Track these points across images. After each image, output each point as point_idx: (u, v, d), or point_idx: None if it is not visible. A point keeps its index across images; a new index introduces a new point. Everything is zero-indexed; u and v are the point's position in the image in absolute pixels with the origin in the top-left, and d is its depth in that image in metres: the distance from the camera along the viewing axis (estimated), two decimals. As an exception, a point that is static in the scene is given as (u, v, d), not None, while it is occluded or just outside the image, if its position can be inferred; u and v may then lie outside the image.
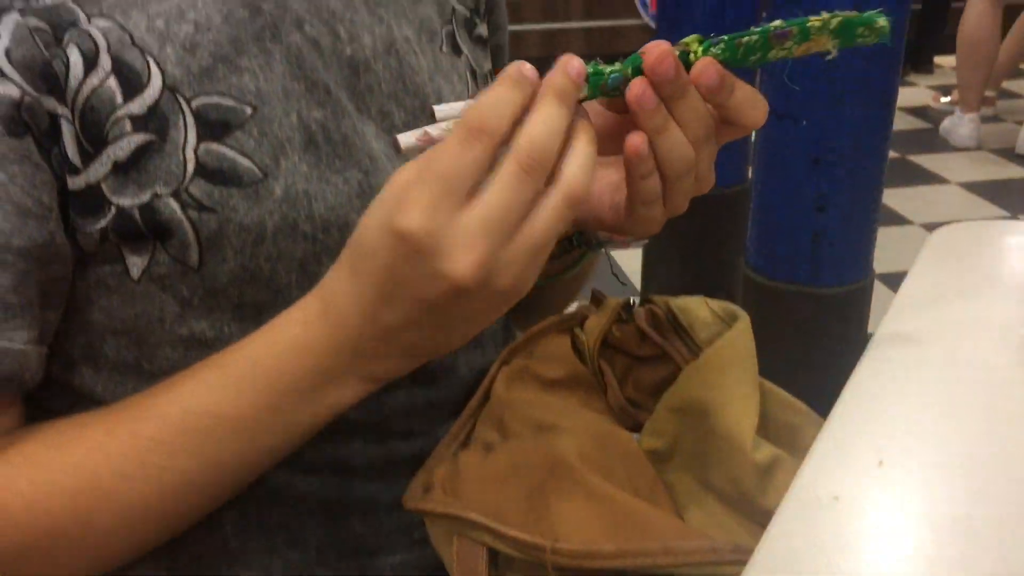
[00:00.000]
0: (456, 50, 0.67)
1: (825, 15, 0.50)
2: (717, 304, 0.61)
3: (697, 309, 0.62)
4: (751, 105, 0.50)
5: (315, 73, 0.57)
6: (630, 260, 2.22)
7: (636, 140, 0.48)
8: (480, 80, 0.70)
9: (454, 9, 0.68)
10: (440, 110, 0.46)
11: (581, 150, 0.45)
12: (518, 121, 0.44)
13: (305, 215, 0.55)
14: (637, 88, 0.47)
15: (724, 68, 0.49)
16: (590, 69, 0.47)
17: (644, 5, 4.33)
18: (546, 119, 0.44)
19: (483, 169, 0.43)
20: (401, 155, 0.46)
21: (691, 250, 2.44)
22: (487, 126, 0.43)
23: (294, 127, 0.56)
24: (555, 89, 0.45)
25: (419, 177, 0.43)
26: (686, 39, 0.49)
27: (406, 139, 0.46)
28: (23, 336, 0.51)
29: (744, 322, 0.58)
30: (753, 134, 2.01)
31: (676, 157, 0.49)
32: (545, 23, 4.33)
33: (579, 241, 0.64)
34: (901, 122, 1.78)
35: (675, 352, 0.61)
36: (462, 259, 0.42)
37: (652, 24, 4.16)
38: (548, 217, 0.44)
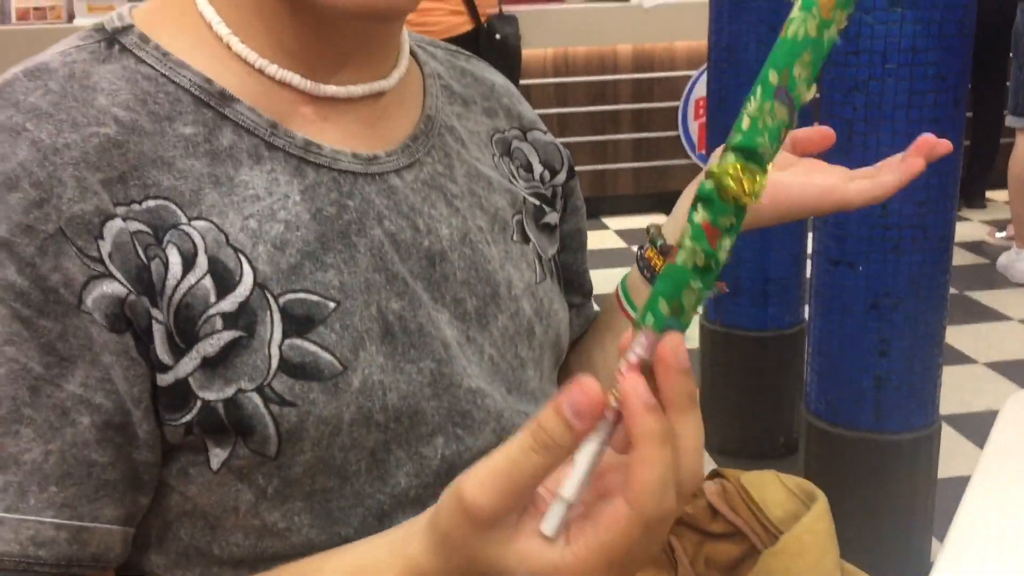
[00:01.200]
0: (525, 238, 0.69)
1: None
2: (791, 480, 0.60)
3: (770, 485, 0.60)
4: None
5: (394, 265, 0.58)
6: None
7: None
8: (545, 265, 0.71)
9: (524, 199, 0.70)
10: (567, 492, 0.42)
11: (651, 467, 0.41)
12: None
13: (379, 406, 0.56)
14: None
15: None
16: (650, 321, 0.42)
17: (691, 145, 4.42)
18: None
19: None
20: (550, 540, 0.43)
21: (748, 392, 2.40)
22: (647, 505, 0.40)
23: (373, 318, 0.57)
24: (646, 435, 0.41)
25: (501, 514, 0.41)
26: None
27: (550, 527, 0.42)
28: (112, 515, 0.52)
29: (822, 503, 0.56)
30: (810, 277, 2.00)
31: None
32: (593, 164, 4.44)
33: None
34: (957, 258, 1.77)
35: (749, 530, 0.59)
36: None
37: (701, 163, 4.24)
38: (649, 544, 0.42)
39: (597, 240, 4.18)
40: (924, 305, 1.72)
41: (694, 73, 4.30)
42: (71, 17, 3.68)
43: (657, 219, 0.63)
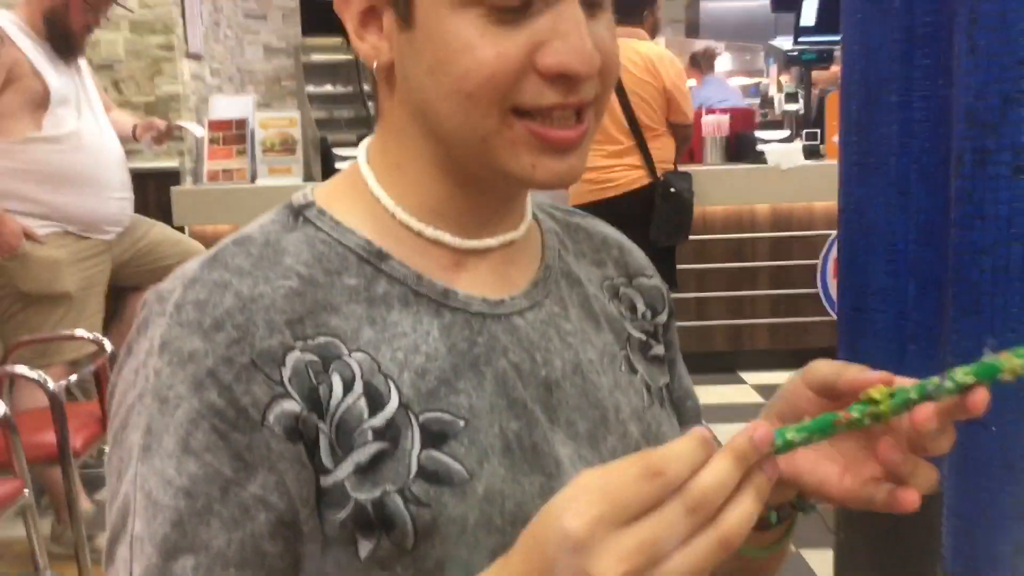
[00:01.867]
0: (632, 369, 0.78)
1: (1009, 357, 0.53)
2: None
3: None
4: (945, 437, 0.58)
5: (516, 391, 0.68)
6: (822, 563, 2.16)
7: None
8: (654, 394, 0.79)
9: (630, 335, 0.80)
10: None
11: (745, 505, 0.51)
12: (695, 472, 0.50)
13: (499, 511, 0.64)
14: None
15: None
16: (778, 441, 0.53)
17: (831, 302, 4.41)
18: (718, 472, 0.50)
19: (652, 505, 0.50)
20: None
21: (884, 552, 2.33)
22: (668, 471, 0.49)
23: (496, 436, 0.66)
24: (735, 450, 0.51)
25: (595, 489, 0.50)
26: (871, 392, 0.56)
27: None
28: None
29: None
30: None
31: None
32: (730, 319, 4.47)
33: (798, 505, 0.69)
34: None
35: None
36: (613, 566, 0.48)
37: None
38: (699, 553, 0.49)
39: (733, 394, 4.17)
40: (1065, 469, 1.68)
41: (833, 233, 4.33)
42: (254, 178, 4.04)
43: (789, 374, 0.67)
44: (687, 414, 0.86)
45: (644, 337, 0.81)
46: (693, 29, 8.52)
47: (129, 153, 3.34)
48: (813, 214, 4.44)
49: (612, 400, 0.74)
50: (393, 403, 0.64)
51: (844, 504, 0.63)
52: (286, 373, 0.62)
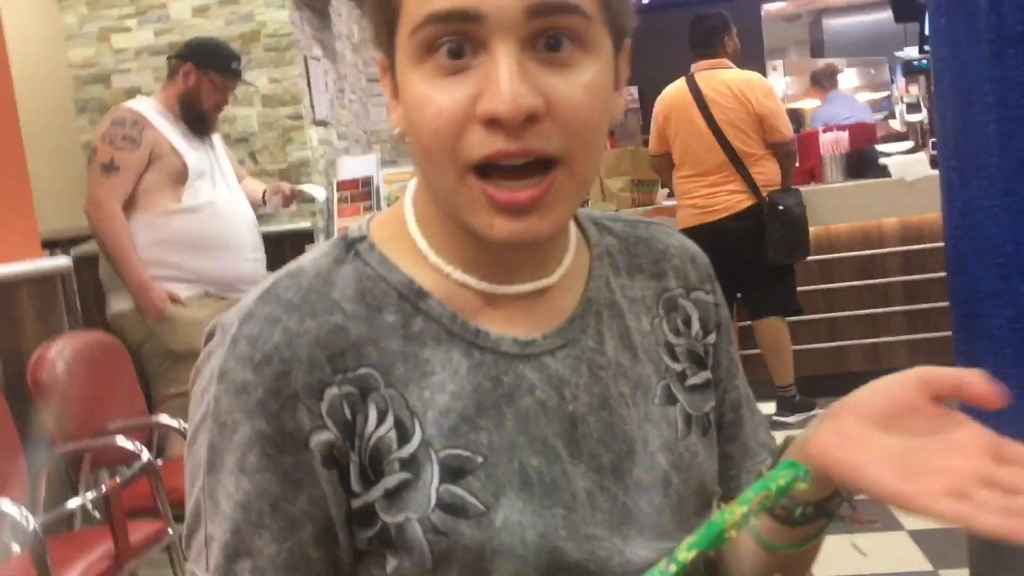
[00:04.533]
0: (671, 399, 0.78)
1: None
2: None
3: None
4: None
5: (538, 428, 0.71)
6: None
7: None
8: (695, 422, 0.79)
9: (667, 367, 0.79)
10: None
11: None
12: None
13: (520, 541, 0.68)
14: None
15: None
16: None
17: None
18: None
19: None
20: None
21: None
22: None
23: (515, 472, 0.69)
24: None
25: None
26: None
27: None
28: None
29: None
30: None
31: None
32: (864, 338, 4.34)
33: (825, 510, 0.69)
34: None
35: None
36: None
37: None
38: None
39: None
40: None
41: (969, 242, 4.15)
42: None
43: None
44: (736, 430, 0.86)
45: (685, 365, 0.80)
46: (818, 48, 8.36)
47: (262, 218, 3.59)
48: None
49: (640, 433, 0.75)
50: (416, 439, 0.69)
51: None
52: (323, 407, 0.67)
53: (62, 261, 2.86)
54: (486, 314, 0.73)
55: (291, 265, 0.73)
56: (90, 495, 2.25)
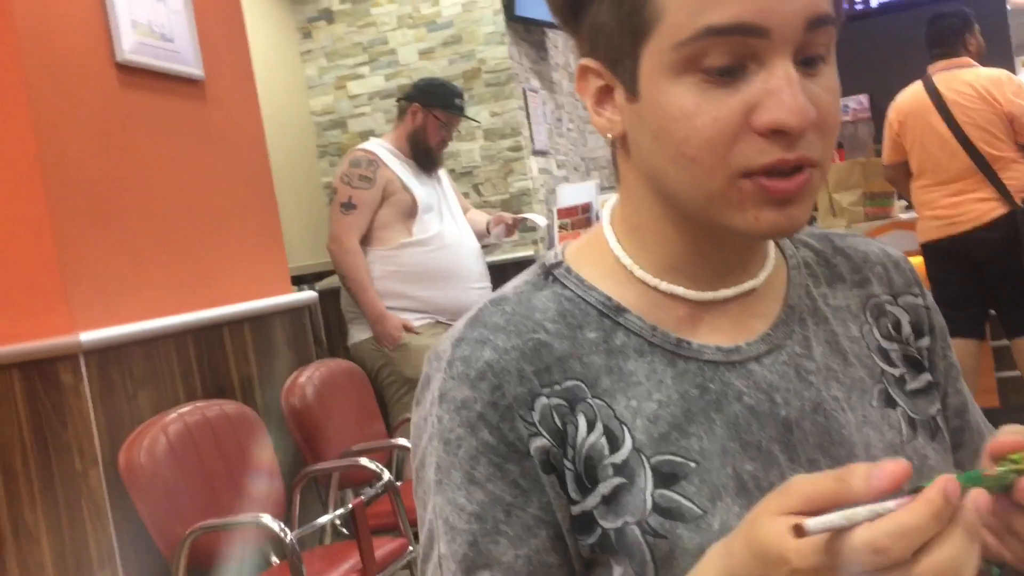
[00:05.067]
0: (890, 403, 0.76)
1: None
2: None
3: None
4: None
5: (750, 434, 0.70)
6: None
7: None
8: (920, 425, 0.77)
9: (883, 371, 0.78)
10: (815, 523, 0.50)
11: (947, 549, 0.49)
12: (923, 548, 0.48)
13: None
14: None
15: None
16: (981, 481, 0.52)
17: None
18: (954, 557, 0.48)
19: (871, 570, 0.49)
20: (802, 534, 0.51)
21: None
22: (891, 552, 0.48)
23: (729, 476, 0.69)
24: (967, 525, 0.49)
25: (814, 553, 0.51)
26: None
27: (814, 525, 0.50)
28: None
29: None
30: None
31: None
32: None
33: None
34: None
35: None
36: None
37: None
38: None
39: None
40: None
41: None
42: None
43: None
44: (962, 435, 0.83)
45: (903, 370, 0.79)
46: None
47: (487, 247, 3.71)
48: None
49: (861, 436, 0.74)
50: (627, 446, 0.69)
51: None
52: (535, 416, 0.69)
53: (309, 295, 3.05)
54: (688, 325, 0.74)
55: (494, 294, 0.76)
56: (338, 512, 2.39)
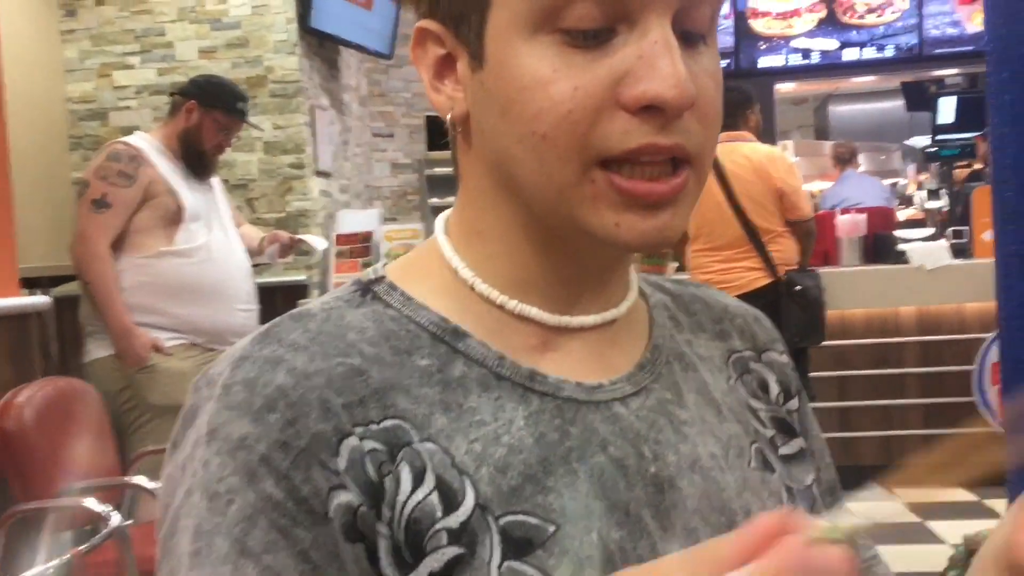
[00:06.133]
0: (767, 467, 0.67)
1: None
2: None
3: None
4: None
5: (616, 493, 0.59)
6: None
7: None
8: (799, 495, 0.68)
9: (756, 430, 0.69)
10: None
11: None
12: None
13: None
14: None
15: None
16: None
17: (991, 411, 4.06)
18: None
19: None
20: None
21: None
22: None
23: (594, 545, 0.56)
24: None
25: None
26: None
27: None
28: None
29: None
30: None
31: None
32: (877, 430, 4.19)
33: None
34: None
35: None
36: None
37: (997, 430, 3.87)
38: None
39: (885, 513, 3.85)
40: None
41: (989, 336, 4.03)
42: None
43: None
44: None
45: (773, 432, 0.70)
46: (823, 133, 8.40)
47: (258, 267, 3.42)
48: (964, 317, 4.16)
49: (741, 502, 0.63)
50: (468, 503, 0.55)
51: None
52: (341, 463, 0.54)
53: (41, 300, 2.76)
54: (539, 355, 0.62)
55: (294, 310, 0.62)
56: (52, 563, 2.04)
